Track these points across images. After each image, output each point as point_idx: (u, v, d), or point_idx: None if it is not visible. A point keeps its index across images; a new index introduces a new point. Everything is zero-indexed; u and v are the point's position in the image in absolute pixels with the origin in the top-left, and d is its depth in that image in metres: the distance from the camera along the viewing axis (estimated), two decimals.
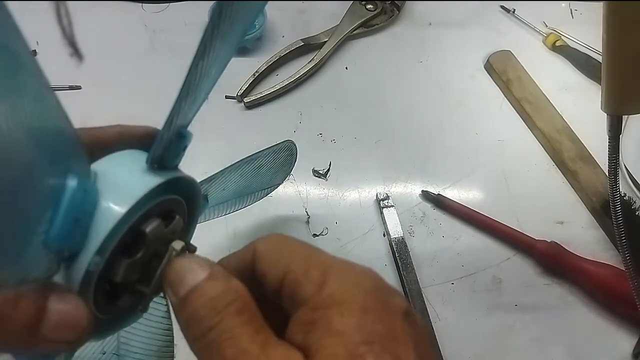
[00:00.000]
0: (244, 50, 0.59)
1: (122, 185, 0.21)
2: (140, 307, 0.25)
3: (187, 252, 0.24)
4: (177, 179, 0.24)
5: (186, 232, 0.28)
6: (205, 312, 0.20)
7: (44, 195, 0.18)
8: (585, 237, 0.50)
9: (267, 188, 0.47)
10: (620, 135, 0.37)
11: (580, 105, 0.58)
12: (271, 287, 0.23)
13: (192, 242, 0.25)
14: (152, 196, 0.22)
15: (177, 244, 0.23)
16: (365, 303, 0.21)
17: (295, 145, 0.44)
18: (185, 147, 0.24)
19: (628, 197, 0.49)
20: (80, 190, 0.19)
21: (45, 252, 0.19)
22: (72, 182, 0.19)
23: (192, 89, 0.20)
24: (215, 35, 0.19)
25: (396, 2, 0.64)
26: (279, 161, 0.44)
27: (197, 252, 0.25)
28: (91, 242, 0.20)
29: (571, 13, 0.67)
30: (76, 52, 0.17)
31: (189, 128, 0.24)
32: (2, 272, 0.17)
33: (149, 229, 0.22)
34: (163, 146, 0.22)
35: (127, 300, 0.24)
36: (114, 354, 0.27)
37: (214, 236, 0.48)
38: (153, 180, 0.22)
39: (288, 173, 0.48)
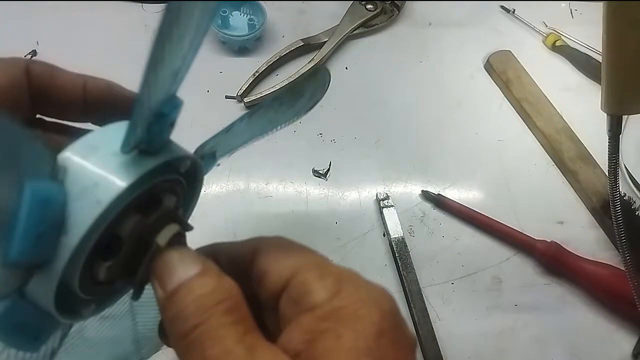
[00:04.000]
0: (244, 50, 0.59)
1: (90, 186, 0.19)
2: (130, 293, 0.23)
3: (184, 232, 0.22)
4: (162, 164, 0.21)
5: (187, 206, 0.26)
6: (192, 310, 0.19)
7: None
8: (585, 237, 0.50)
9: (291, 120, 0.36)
10: (620, 135, 0.37)
11: (580, 105, 0.58)
12: (271, 286, 0.22)
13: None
14: (132, 189, 0.20)
15: (163, 238, 0.21)
16: (382, 325, 0.19)
17: (329, 73, 0.33)
18: (172, 124, 0.21)
19: (628, 197, 0.49)
20: (39, 202, 0.17)
21: (8, 269, 0.17)
22: (28, 193, 0.16)
23: (164, 55, 0.18)
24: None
25: (396, 2, 0.64)
26: (306, 96, 0.35)
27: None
28: (61, 253, 0.18)
29: (571, 13, 0.67)
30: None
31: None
32: None
33: (124, 231, 0.20)
34: (141, 130, 0.19)
35: (112, 285, 0.22)
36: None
37: (213, 236, 0.48)
38: (127, 177, 0.19)
39: (318, 101, 0.37)
